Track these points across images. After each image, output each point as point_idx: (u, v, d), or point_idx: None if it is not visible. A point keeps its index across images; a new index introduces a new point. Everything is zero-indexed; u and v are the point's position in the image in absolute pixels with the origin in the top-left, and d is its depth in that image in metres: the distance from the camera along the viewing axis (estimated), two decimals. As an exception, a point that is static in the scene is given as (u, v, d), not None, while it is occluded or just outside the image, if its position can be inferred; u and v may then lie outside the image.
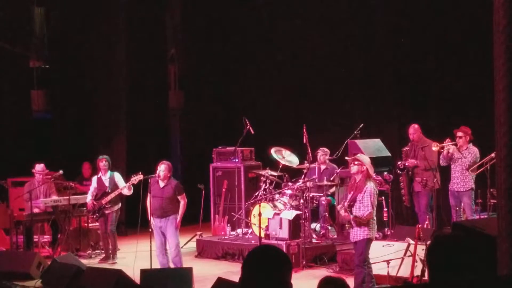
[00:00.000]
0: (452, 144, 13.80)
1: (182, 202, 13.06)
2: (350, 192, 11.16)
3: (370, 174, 11.04)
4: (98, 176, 14.95)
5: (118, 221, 15.20)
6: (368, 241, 10.96)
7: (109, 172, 14.91)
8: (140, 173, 13.67)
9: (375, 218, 11.05)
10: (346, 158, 12.09)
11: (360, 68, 17.26)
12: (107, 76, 18.80)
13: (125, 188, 14.42)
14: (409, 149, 14.62)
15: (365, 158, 11.24)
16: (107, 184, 14.81)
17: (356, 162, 11.06)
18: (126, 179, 14.60)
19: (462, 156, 13.76)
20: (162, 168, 13.03)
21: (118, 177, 14.87)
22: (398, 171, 14.50)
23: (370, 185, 10.88)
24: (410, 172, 14.52)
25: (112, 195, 14.58)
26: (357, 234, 10.98)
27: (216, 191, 16.54)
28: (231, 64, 19.81)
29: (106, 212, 14.76)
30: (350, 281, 10.37)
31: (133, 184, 13.98)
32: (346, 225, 11.23)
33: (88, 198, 14.90)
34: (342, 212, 11.12)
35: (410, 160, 14.44)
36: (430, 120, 15.87)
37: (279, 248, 4.17)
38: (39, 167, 15.24)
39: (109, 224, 14.82)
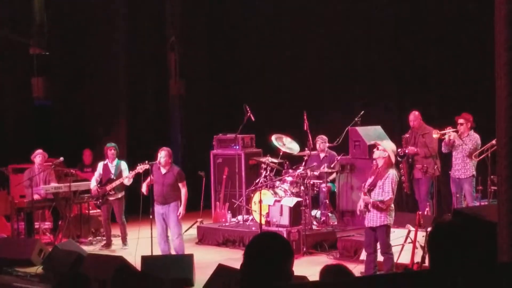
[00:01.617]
0: (453, 131, 13.80)
1: (183, 190, 13.07)
2: (371, 177, 11.17)
3: (392, 161, 11.05)
4: (105, 162, 14.96)
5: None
6: (387, 228, 10.98)
7: (116, 160, 14.93)
8: (146, 162, 13.64)
9: (393, 205, 11.06)
10: (372, 142, 12.06)
11: (361, 55, 17.22)
12: (107, 63, 18.79)
13: (126, 178, 14.43)
14: (409, 136, 14.62)
15: (389, 145, 11.26)
16: (112, 171, 14.83)
17: (379, 148, 11.09)
18: (129, 167, 14.63)
19: (463, 143, 13.76)
20: (162, 155, 13.04)
21: (124, 166, 14.88)
22: (398, 158, 14.48)
23: (392, 172, 10.92)
24: (410, 159, 14.52)
25: (117, 182, 14.59)
26: (373, 219, 10.97)
27: (217, 178, 16.56)
28: (231, 51, 19.79)
29: (110, 199, 14.78)
30: (350, 267, 10.37)
31: (138, 173, 13.92)
32: (363, 210, 11.17)
33: (93, 184, 14.91)
34: (362, 195, 11.10)
35: (410, 147, 14.43)
36: (431, 107, 15.85)
37: (282, 236, 4.18)
38: (38, 151, 15.25)
39: (117, 215, 14.87)
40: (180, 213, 13.05)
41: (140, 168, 13.57)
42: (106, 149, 14.97)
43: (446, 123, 14.06)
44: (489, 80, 6.76)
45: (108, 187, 14.68)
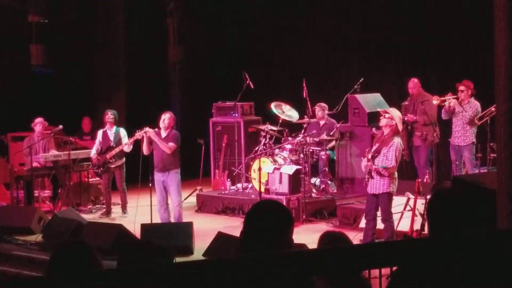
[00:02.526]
0: (454, 98, 13.78)
1: (172, 144, 12.94)
2: (376, 144, 11.18)
3: (399, 130, 11.04)
4: (104, 130, 14.95)
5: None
6: (389, 195, 10.99)
7: (115, 127, 14.91)
8: (144, 128, 13.61)
9: (396, 174, 11.07)
10: (378, 109, 12.03)
11: (361, 22, 17.15)
12: (106, 30, 18.72)
13: (126, 145, 14.41)
14: (409, 104, 14.59)
15: (396, 113, 11.24)
16: (112, 138, 14.81)
17: (386, 116, 11.07)
18: (128, 135, 14.61)
19: (463, 110, 13.75)
20: (166, 117, 13.02)
21: (123, 133, 14.87)
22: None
23: (397, 140, 10.92)
24: (409, 127, 14.50)
25: (117, 149, 14.58)
26: (376, 186, 10.97)
27: (216, 146, 16.56)
28: (230, 18, 19.68)
29: (111, 166, 14.78)
30: (350, 235, 10.39)
31: (137, 140, 13.90)
32: (366, 176, 11.20)
33: (93, 152, 14.91)
34: (365, 161, 11.10)
35: (409, 115, 14.40)
36: (431, 74, 15.81)
37: (282, 204, 4.18)
38: (38, 120, 15.21)
39: (118, 182, 14.88)
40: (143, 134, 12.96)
41: (139, 134, 13.52)
42: (104, 115, 14.99)
43: (446, 90, 14.03)
44: (489, 45, 6.72)
45: (108, 155, 14.68)
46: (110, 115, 14.88)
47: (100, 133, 15.01)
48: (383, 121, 11.13)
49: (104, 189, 15.14)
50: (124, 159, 14.89)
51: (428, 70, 15.97)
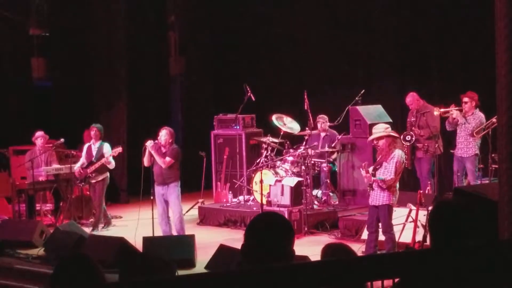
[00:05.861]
0: (457, 109, 13.73)
1: (168, 159, 12.97)
2: (379, 156, 11.22)
3: (394, 140, 11.05)
4: (89, 144, 14.94)
5: (119, 189, 15.21)
6: (389, 207, 11.01)
7: (99, 142, 14.84)
8: (120, 146, 13.78)
9: (397, 185, 11.07)
10: (369, 139, 11.96)
11: (362, 33, 17.15)
12: (107, 43, 18.73)
13: (105, 160, 14.39)
14: (415, 120, 14.43)
15: (379, 128, 11.24)
16: (94, 153, 14.76)
17: (374, 142, 11.19)
18: (131, 147, 14.61)
19: (466, 122, 13.70)
20: (163, 134, 13.01)
21: (106, 148, 14.73)
22: (404, 143, 14.17)
23: (398, 153, 10.95)
24: (412, 139, 14.43)
25: (96, 165, 14.55)
26: (376, 198, 11.01)
27: (218, 159, 16.55)
28: (231, 30, 19.72)
29: (92, 181, 14.72)
30: (352, 247, 10.35)
31: (113, 157, 14.00)
32: (367, 187, 11.24)
33: (77, 165, 14.87)
34: (363, 173, 11.13)
35: (415, 129, 14.26)
36: (434, 86, 15.80)
37: (282, 215, 4.17)
38: (38, 133, 15.19)
39: (96, 198, 14.76)
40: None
41: (115, 151, 13.57)
42: (90, 130, 14.98)
43: (448, 101, 14.00)
44: (491, 56, 6.73)
45: (89, 170, 14.63)
46: (95, 131, 14.84)
47: (85, 147, 15.01)
48: (380, 144, 11.16)
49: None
50: (107, 174, 14.79)
51: (430, 81, 15.95)
